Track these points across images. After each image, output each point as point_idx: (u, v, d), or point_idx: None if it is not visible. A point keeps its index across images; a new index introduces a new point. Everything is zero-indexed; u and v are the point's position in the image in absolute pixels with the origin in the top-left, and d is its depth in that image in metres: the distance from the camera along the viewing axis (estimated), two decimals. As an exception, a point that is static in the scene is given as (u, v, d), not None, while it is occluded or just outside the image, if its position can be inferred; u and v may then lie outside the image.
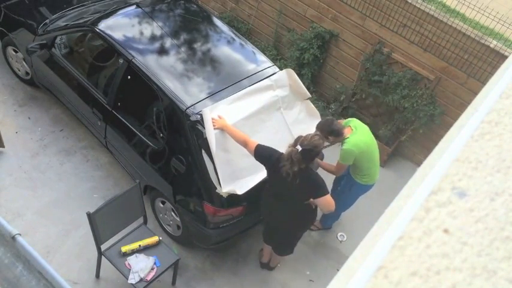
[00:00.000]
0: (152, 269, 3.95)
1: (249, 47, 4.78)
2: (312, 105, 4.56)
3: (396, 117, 5.54)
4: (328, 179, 4.18)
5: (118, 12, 4.85)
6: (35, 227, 4.54)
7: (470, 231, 0.69)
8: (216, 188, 3.90)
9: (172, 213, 4.45)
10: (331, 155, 4.52)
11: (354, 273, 0.65)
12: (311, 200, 3.67)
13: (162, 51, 4.49)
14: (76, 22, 5.06)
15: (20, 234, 2.70)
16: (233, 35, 4.86)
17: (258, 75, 4.39)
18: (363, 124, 4.21)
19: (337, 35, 5.72)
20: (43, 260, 2.63)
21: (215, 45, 4.70)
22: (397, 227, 0.69)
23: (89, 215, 3.73)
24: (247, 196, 3.95)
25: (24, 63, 5.52)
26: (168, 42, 4.55)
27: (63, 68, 4.96)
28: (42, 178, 4.93)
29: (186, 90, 4.16)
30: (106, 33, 4.56)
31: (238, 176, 3.91)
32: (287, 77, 4.32)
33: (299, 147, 3.39)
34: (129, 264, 3.94)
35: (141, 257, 3.99)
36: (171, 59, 4.43)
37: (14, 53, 5.60)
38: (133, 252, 4.00)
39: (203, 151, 3.95)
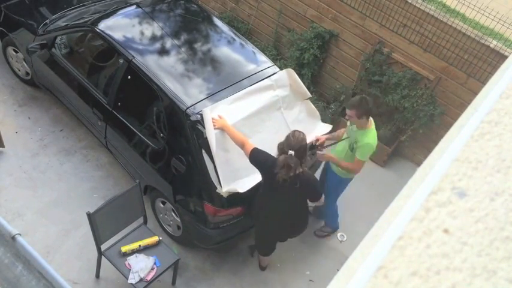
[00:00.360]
0: (152, 269, 3.95)
1: (249, 47, 4.78)
2: (312, 106, 4.56)
3: (396, 117, 5.54)
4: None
5: (118, 12, 4.85)
6: (35, 227, 4.54)
7: (470, 231, 0.69)
8: (216, 188, 3.90)
9: (173, 213, 4.45)
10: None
11: (354, 273, 0.65)
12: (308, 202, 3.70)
13: (162, 51, 4.49)
14: (76, 22, 5.06)
15: (20, 234, 2.70)
16: (233, 35, 4.86)
17: (258, 75, 4.39)
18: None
19: (337, 35, 5.72)
20: (43, 260, 2.63)
21: (215, 45, 4.70)
22: (397, 227, 0.69)
23: (89, 215, 3.73)
24: (247, 196, 3.95)
25: (25, 63, 5.52)
26: (168, 42, 4.55)
27: (63, 68, 4.96)
28: (42, 178, 4.93)
29: (186, 90, 4.16)
30: (106, 33, 4.56)
31: (238, 175, 3.91)
32: (287, 76, 4.32)
33: (291, 152, 3.38)
34: (129, 264, 3.94)
35: (141, 257, 3.99)
36: (171, 59, 4.43)
37: (14, 53, 5.60)
38: (133, 252, 4.00)
39: (203, 151, 3.95)
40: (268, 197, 3.82)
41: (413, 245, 0.67)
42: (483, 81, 4.84)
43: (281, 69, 4.56)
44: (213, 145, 3.76)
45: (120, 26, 4.68)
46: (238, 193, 3.94)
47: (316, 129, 4.43)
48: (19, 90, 5.70)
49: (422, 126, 5.32)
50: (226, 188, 3.82)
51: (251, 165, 3.82)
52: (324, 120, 4.77)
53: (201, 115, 3.88)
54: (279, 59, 6.18)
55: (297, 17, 5.97)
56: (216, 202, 3.97)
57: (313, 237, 4.96)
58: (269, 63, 4.61)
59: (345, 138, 4.18)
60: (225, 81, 4.28)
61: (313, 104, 4.72)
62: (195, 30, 4.81)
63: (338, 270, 0.90)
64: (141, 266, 3.93)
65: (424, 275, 0.64)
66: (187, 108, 4.01)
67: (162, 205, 4.56)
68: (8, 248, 2.71)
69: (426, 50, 5.13)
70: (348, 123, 4.23)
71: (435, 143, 0.90)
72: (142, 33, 4.62)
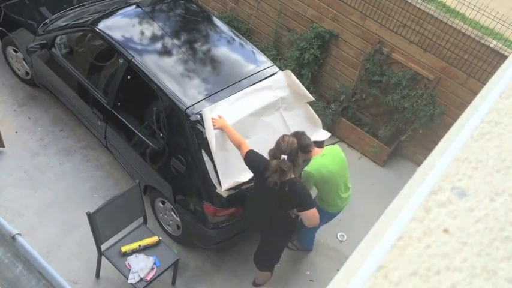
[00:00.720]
0: (152, 269, 3.95)
1: (249, 47, 4.78)
2: (311, 110, 4.53)
3: (396, 117, 5.54)
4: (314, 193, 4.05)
5: (118, 12, 4.85)
6: (35, 227, 4.54)
7: (470, 231, 0.69)
8: (216, 188, 3.90)
9: (172, 213, 4.45)
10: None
11: (354, 273, 0.65)
12: (294, 210, 3.66)
13: (162, 51, 4.49)
14: (76, 22, 5.06)
15: (20, 234, 2.70)
16: (233, 35, 4.86)
17: (258, 75, 4.39)
18: (340, 153, 4.01)
19: (337, 35, 5.72)
20: (43, 260, 2.62)
21: (215, 45, 4.70)
22: (397, 227, 0.69)
23: (89, 215, 3.73)
24: (246, 196, 3.95)
25: (24, 63, 5.52)
26: (168, 42, 4.55)
27: (63, 68, 4.96)
28: (42, 178, 4.93)
29: (186, 90, 4.16)
30: (106, 33, 4.56)
31: (238, 175, 3.91)
32: (285, 78, 4.32)
33: (284, 156, 3.38)
34: (129, 264, 3.94)
35: (141, 257, 3.99)
36: (171, 59, 4.43)
37: (14, 52, 5.60)
38: (133, 252, 4.00)
39: (203, 151, 3.95)
40: (256, 200, 3.82)
41: (413, 245, 0.67)
42: (483, 81, 4.84)
43: (281, 69, 4.56)
44: (212, 145, 3.76)
45: (120, 26, 4.68)
46: (238, 193, 3.95)
47: (315, 134, 4.41)
48: (19, 90, 5.70)
49: (422, 126, 5.32)
50: (226, 185, 3.83)
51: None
52: (324, 120, 4.76)
53: (201, 115, 3.88)
54: (279, 59, 6.18)
55: (297, 17, 5.97)
56: (215, 202, 3.97)
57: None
58: (269, 63, 4.61)
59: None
60: (225, 81, 4.28)
61: (313, 104, 4.71)
62: (195, 30, 4.81)
63: (338, 270, 0.90)
64: (141, 266, 3.93)
65: (424, 275, 0.64)
66: (187, 108, 4.01)
67: (162, 205, 4.56)
68: (8, 248, 2.71)
69: (426, 50, 5.13)
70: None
71: (435, 143, 0.90)
72: (142, 33, 4.62)
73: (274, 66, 4.60)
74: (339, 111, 5.86)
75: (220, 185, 3.85)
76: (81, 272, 4.32)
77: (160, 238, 4.15)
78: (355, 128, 5.79)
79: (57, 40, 5.03)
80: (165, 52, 4.49)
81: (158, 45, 4.54)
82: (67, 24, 5.09)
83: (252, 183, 3.93)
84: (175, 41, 4.58)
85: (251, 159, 3.62)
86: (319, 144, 4.27)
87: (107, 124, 4.68)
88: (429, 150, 0.94)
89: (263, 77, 4.35)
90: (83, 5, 5.46)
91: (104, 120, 4.68)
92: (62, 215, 4.68)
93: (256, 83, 4.26)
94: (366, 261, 0.66)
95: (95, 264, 4.17)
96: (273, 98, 4.20)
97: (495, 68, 4.61)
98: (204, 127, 3.85)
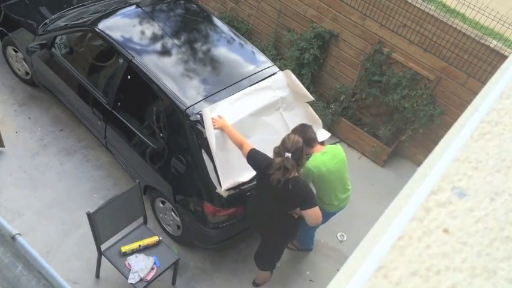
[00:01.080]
0: (152, 269, 3.95)
1: (249, 47, 4.78)
2: (311, 110, 4.53)
3: (396, 117, 5.54)
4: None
5: (118, 12, 4.85)
6: (35, 227, 4.54)
7: (470, 231, 0.69)
8: (216, 188, 3.90)
9: (172, 213, 4.45)
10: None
11: (354, 273, 0.65)
12: (297, 210, 3.65)
13: (162, 51, 4.49)
14: (76, 22, 5.06)
15: (20, 234, 2.70)
16: (233, 35, 4.86)
17: (258, 75, 4.39)
18: (342, 153, 4.01)
19: (337, 35, 5.72)
20: (43, 260, 2.62)
21: (215, 45, 4.70)
22: (397, 227, 0.69)
23: (89, 215, 3.73)
24: (246, 196, 3.95)
25: (24, 63, 5.52)
26: (168, 42, 4.55)
27: (63, 68, 4.96)
28: (42, 178, 4.93)
29: (185, 90, 4.16)
30: (106, 33, 4.56)
31: (238, 175, 3.91)
32: (285, 78, 4.32)
33: (288, 154, 3.38)
34: (129, 264, 3.94)
35: (141, 257, 3.99)
36: (171, 59, 4.43)
37: (14, 52, 5.60)
38: (133, 252, 4.00)
39: (203, 151, 3.95)
40: (258, 199, 3.82)
41: (413, 245, 0.67)
42: (483, 81, 4.84)
43: (281, 69, 4.56)
44: (212, 145, 3.76)
45: (120, 26, 4.68)
46: (238, 193, 3.95)
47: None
48: (19, 90, 5.70)
49: (422, 126, 5.32)
50: (226, 185, 3.83)
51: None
52: (324, 120, 4.76)
53: (201, 115, 3.88)
54: (279, 59, 6.18)
55: (297, 17, 5.97)
56: (215, 202, 3.97)
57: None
58: (269, 63, 4.60)
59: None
60: (225, 81, 4.28)
61: (313, 104, 4.71)
62: (195, 30, 4.81)
63: (338, 270, 0.90)
64: (141, 266, 3.93)
65: (424, 275, 0.64)
66: (187, 108, 4.01)
67: (161, 205, 4.56)
68: (8, 248, 2.70)
69: (426, 50, 5.13)
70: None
71: (435, 143, 0.90)
72: (142, 33, 4.62)
73: (274, 66, 4.60)
74: (339, 111, 5.86)
75: (220, 185, 3.84)
76: (81, 272, 4.33)
77: (160, 238, 4.15)
78: (355, 128, 5.79)
79: (57, 40, 5.03)
80: (165, 52, 4.49)
81: (158, 45, 4.54)
82: (67, 24, 5.09)
83: (253, 183, 3.93)
84: (175, 41, 4.58)
85: (254, 157, 3.62)
86: (320, 143, 4.27)
87: (107, 124, 4.68)
88: (429, 150, 0.94)
89: (263, 77, 4.35)
90: (83, 5, 5.46)
91: (104, 120, 4.68)
92: (62, 215, 4.68)
93: (256, 83, 4.26)
94: (366, 261, 0.66)
95: (95, 264, 4.17)
96: (273, 98, 4.20)
97: (495, 68, 4.61)
98: (204, 127, 3.85)
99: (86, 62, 5.14)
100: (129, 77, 4.43)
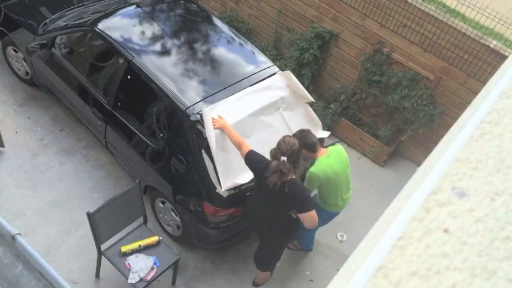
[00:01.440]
0: (152, 269, 3.95)
1: (249, 47, 4.78)
2: (311, 110, 4.52)
3: (396, 117, 5.54)
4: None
5: (118, 12, 4.85)
6: (35, 227, 4.54)
7: (470, 231, 0.69)
8: (216, 188, 3.90)
9: (172, 213, 4.45)
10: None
11: (354, 273, 0.65)
12: (294, 212, 3.65)
13: (162, 51, 4.49)
14: (76, 22, 5.06)
15: (20, 234, 2.70)
16: (233, 35, 4.86)
17: (258, 75, 4.39)
18: (343, 152, 4.01)
19: (337, 35, 5.72)
20: (43, 260, 2.62)
21: (215, 45, 4.70)
22: (397, 227, 0.69)
23: (89, 215, 3.73)
24: (246, 196, 3.95)
25: (24, 63, 5.52)
26: (168, 42, 4.55)
27: (63, 68, 4.96)
28: (42, 178, 4.93)
29: (185, 90, 4.16)
30: (106, 33, 4.56)
31: (238, 176, 3.91)
32: (285, 78, 4.32)
33: (284, 158, 3.37)
34: (129, 264, 3.94)
35: (141, 257, 3.99)
36: (171, 59, 4.43)
37: (14, 52, 5.60)
38: (133, 252, 4.00)
39: (203, 151, 3.95)
40: (257, 201, 3.81)
41: (413, 245, 0.67)
42: (483, 81, 4.84)
43: (281, 69, 4.56)
44: (212, 145, 3.76)
45: (120, 26, 4.68)
46: (238, 193, 3.95)
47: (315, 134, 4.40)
48: (19, 90, 5.69)
49: (422, 126, 5.32)
50: (226, 185, 3.83)
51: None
52: (323, 120, 4.76)
53: (201, 115, 3.88)
54: (279, 59, 6.18)
55: (297, 17, 5.97)
56: (215, 202, 3.97)
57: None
58: (269, 63, 4.60)
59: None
60: (225, 81, 4.28)
61: (313, 104, 4.71)
62: (195, 30, 4.81)
63: (338, 270, 0.90)
64: (141, 266, 3.93)
65: (424, 275, 0.64)
66: (186, 108, 4.01)
67: (162, 205, 4.56)
68: (8, 248, 2.70)
69: (426, 50, 5.13)
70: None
71: (435, 143, 0.90)
72: (142, 33, 4.62)
73: (274, 66, 4.60)
74: (339, 111, 5.86)
75: (220, 185, 3.84)
76: (81, 272, 4.32)
77: (160, 238, 4.15)
78: (355, 128, 5.79)
79: (57, 40, 5.03)
80: (165, 52, 4.49)
81: (158, 45, 4.53)
82: (67, 24, 5.09)
83: (252, 184, 3.93)
84: (175, 41, 4.58)
85: (251, 159, 3.61)
86: (321, 142, 4.27)
87: (107, 124, 4.68)
88: (429, 150, 0.94)
89: (263, 77, 4.35)
90: (83, 5, 5.46)
91: (104, 120, 4.68)
92: (62, 215, 4.68)
93: (256, 83, 4.26)
94: (366, 261, 0.66)
95: (95, 264, 4.17)
96: (273, 98, 4.20)
97: (495, 68, 4.61)
98: (204, 127, 3.85)
99: (86, 62, 5.14)
100: (129, 77, 4.42)
